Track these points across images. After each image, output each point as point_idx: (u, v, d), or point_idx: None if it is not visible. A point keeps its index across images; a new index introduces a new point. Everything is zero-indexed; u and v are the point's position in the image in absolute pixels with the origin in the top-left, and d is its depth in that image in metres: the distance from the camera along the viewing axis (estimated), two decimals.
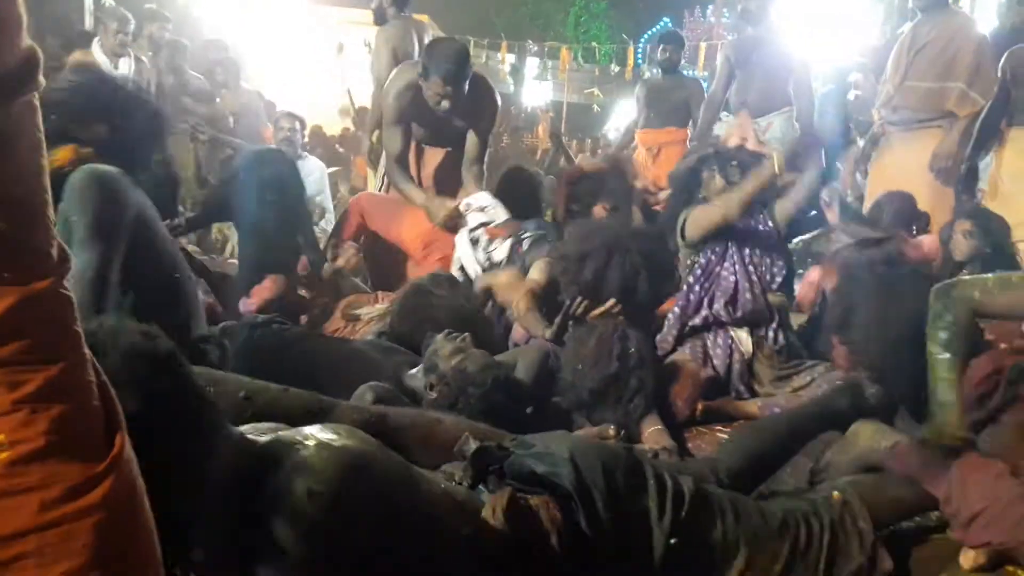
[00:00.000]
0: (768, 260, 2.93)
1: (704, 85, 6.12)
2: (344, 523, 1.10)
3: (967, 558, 1.63)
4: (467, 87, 3.59)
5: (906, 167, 4.02)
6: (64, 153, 2.05)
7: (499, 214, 3.55)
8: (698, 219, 2.93)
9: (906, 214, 3.68)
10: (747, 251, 2.91)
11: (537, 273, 2.93)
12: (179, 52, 5.83)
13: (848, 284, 2.67)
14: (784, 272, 2.96)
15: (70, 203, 2.01)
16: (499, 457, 1.43)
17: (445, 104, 3.58)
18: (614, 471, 1.45)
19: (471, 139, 3.90)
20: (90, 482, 0.82)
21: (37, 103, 0.82)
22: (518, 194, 3.82)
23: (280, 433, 1.22)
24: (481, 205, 3.58)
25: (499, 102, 4.02)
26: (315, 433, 1.18)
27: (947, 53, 3.90)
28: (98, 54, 4.99)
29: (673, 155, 5.53)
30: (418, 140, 3.99)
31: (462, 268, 3.49)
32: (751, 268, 2.89)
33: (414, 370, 2.48)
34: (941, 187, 3.94)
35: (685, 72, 7.36)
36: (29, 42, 0.77)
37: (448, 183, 3.92)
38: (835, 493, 1.65)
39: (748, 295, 2.85)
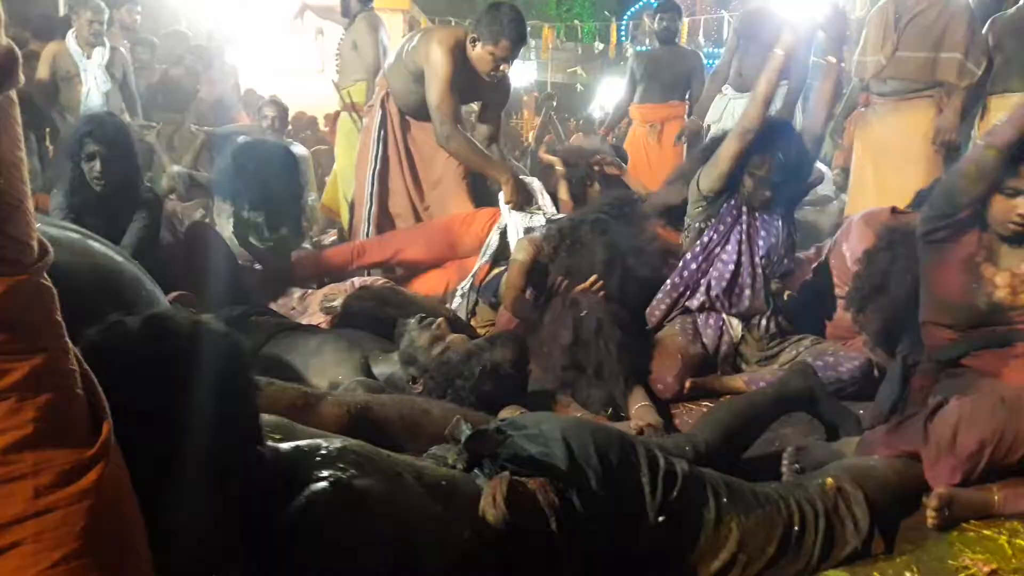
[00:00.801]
0: (775, 257, 2.81)
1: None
2: (352, 563, 1.11)
3: (929, 518, 1.70)
4: None
5: (894, 138, 4.01)
6: None
7: (547, 204, 3.46)
8: (719, 153, 2.75)
9: None
10: (758, 247, 2.77)
11: (521, 254, 2.90)
12: (180, 42, 5.83)
13: (888, 248, 2.58)
14: (789, 266, 2.91)
15: None
16: (495, 442, 1.43)
17: (504, 68, 3.51)
18: (607, 450, 1.46)
19: (491, 115, 3.85)
20: (81, 467, 0.82)
21: (16, 99, 0.83)
22: None
23: (301, 449, 1.20)
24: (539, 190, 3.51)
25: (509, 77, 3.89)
26: (334, 462, 1.16)
27: (940, 23, 3.88)
28: (72, 45, 4.94)
29: (676, 130, 5.41)
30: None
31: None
32: (758, 260, 2.76)
33: (383, 356, 2.47)
34: (931, 157, 3.94)
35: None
36: (7, 40, 0.78)
37: (439, 157, 3.76)
38: (828, 480, 1.66)
39: (748, 291, 2.75)
